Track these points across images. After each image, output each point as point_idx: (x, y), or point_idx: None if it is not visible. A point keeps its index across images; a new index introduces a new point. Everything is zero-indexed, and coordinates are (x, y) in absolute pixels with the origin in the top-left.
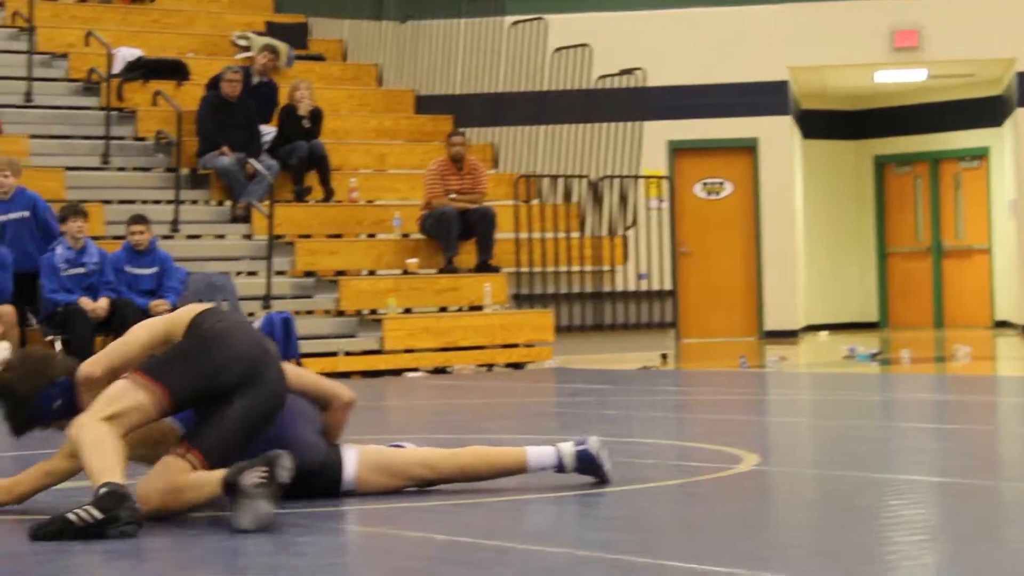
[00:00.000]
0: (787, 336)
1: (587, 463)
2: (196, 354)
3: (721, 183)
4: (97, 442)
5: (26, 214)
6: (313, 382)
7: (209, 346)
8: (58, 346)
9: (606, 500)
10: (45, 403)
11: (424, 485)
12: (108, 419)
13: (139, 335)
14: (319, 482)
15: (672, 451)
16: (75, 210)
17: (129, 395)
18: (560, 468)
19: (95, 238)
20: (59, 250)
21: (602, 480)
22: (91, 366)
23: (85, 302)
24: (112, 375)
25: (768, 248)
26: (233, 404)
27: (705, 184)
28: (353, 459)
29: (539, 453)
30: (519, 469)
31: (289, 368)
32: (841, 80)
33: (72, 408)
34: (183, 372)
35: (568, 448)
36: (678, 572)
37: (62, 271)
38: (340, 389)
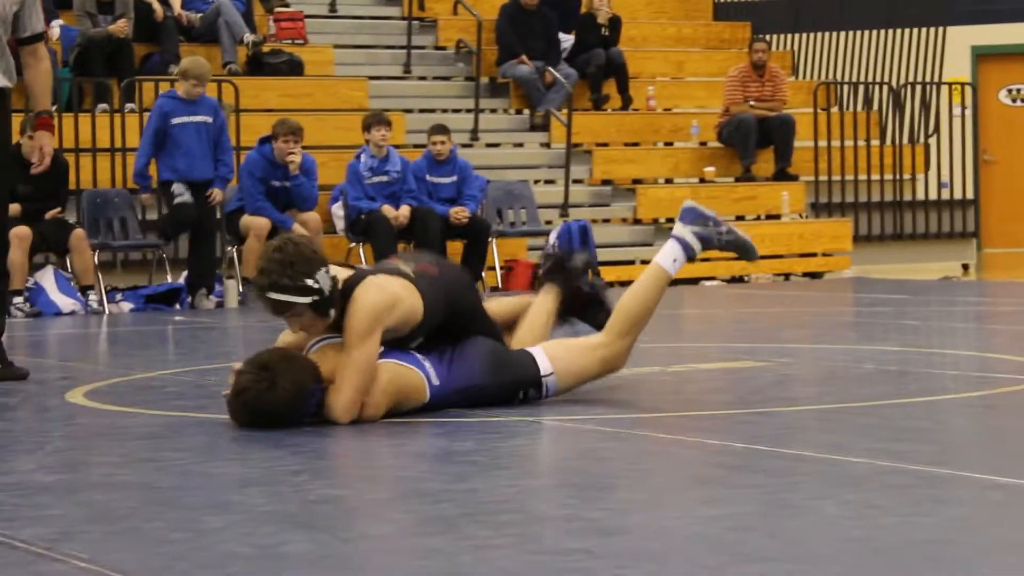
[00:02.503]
0: None
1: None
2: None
3: None
4: None
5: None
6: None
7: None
8: (361, 254)
9: (906, 411)
10: (304, 411)
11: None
12: None
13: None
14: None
15: (974, 362)
16: (379, 119)
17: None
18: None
19: (396, 147)
20: (363, 158)
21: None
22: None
23: (387, 210)
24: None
25: None
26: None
27: (1010, 90)
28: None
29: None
30: (666, 277)
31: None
32: None
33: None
34: None
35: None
36: (980, 484)
37: (366, 179)
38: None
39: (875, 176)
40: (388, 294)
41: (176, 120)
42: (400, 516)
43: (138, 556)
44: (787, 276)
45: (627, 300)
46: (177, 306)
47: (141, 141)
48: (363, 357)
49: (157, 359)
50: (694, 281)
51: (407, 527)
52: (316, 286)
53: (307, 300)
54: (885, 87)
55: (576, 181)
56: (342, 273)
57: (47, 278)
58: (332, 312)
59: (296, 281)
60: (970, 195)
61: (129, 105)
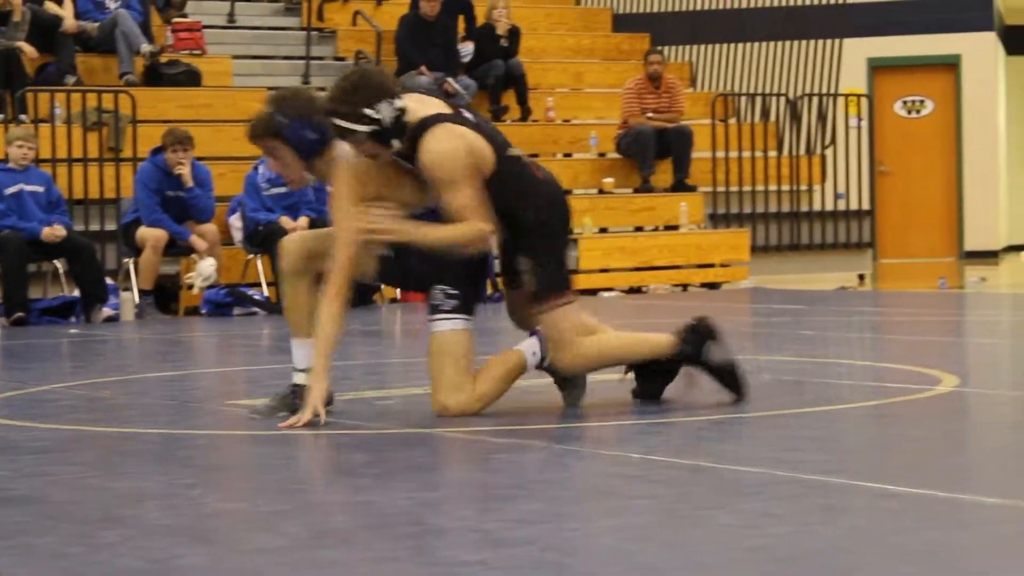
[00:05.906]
0: (988, 256)
1: None
2: None
3: (922, 101)
4: None
5: (39, 188)
6: None
7: None
8: (259, 266)
9: (801, 421)
10: (301, 129)
11: None
12: None
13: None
14: None
15: (869, 372)
16: None
17: None
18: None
19: None
20: (261, 169)
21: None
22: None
23: (286, 221)
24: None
25: (969, 167)
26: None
27: (905, 102)
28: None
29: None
30: (523, 365)
31: None
32: None
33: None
34: None
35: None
36: (873, 493)
37: (264, 191)
38: None
39: (772, 187)
40: (456, 136)
41: (7, 190)
42: (296, 529)
43: (31, 571)
44: (685, 287)
45: (485, 372)
46: (72, 319)
47: None
48: (468, 199)
49: (51, 372)
50: (592, 292)
51: (303, 540)
52: (376, 116)
53: (365, 129)
54: (782, 99)
55: None
56: (420, 108)
57: None
58: (395, 143)
59: (356, 108)
60: (866, 206)
61: (22, 116)
